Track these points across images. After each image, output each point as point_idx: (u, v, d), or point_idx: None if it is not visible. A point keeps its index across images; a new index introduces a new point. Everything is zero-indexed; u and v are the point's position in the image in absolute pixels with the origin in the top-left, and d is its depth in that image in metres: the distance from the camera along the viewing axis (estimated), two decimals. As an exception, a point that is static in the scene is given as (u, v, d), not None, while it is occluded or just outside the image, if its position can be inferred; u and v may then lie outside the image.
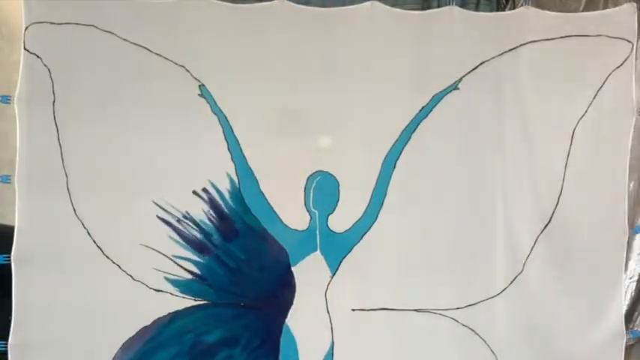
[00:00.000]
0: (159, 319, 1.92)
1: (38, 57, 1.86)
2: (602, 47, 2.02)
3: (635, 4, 2.02)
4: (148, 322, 1.91)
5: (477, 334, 2.02)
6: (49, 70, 1.87)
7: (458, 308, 2.02)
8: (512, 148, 2.04)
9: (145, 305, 1.91)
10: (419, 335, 2.03)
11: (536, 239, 2.04)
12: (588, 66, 2.04)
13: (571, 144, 2.03)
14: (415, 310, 2.01)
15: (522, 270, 2.03)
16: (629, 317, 2.35)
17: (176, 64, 1.91)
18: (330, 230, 1.99)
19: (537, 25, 2.02)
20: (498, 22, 2.09)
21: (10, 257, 1.84)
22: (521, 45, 2.02)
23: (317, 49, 2.00)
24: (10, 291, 1.84)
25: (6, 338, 1.84)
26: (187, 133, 1.94)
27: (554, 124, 2.04)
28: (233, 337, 1.97)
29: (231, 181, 1.95)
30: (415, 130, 2.00)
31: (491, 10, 2.52)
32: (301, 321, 1.98)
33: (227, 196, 1.95)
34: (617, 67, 2.01)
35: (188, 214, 1.94)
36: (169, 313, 1.92)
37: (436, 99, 2.01)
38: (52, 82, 1.87)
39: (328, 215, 1.98)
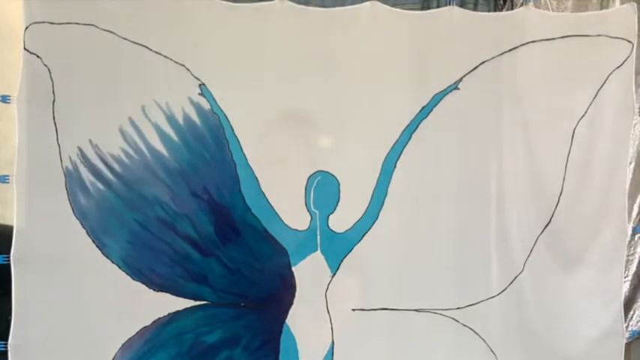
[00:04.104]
0: (159, 319, 1.91)
1: (38, 57, 1.85)
2: (602, 47, 2.02)
3: (635, 4, 2.02)
4: (148, 322, 1.91)
5: (477, 334, 2.02)
6: (49, 70, 1.86)
7: (458, 308, 2.02)
8: (512, 148, 2.04)
9: (144, 305, 1.91)
10: (419, 335, 2.03)
11: (537, 239, 2.04)
12: (588, 66, 2.04)
13: (571, 144, 2.04)
14: (415, 310, 2.01)
15: (522, 270, 2.03)
16: (625, 316, 2.35)
17: (176, 63, 1.91)
18: (331, 230, 1.98)
19: (537, 25, 2.02)
20: (498, 22, 2.09)
21: (9, 257, 1.83)
22: (521, 45, 2.02)
23: (317, 49, 2.00)
24: (10, 291, 1.83)
25: (6, 338, 1.83)
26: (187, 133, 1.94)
27: (554, 124, 2.05)
28: (233, 337, 1.96)
29: (232, 180, 1.95)
30: (415, 130, 2.00)
31: (489, 10, 2.52)
32: (301, 321, 1.98)
33: (227, 196, 1.95)
34: (617, 67, 2.01)
35: (188, 214, 1.93)
36: (169, 314, 1.92)
37: (436, 99, 2.01)
38: (52, 82, 1.86)
39: (329, 215, 1.98)
